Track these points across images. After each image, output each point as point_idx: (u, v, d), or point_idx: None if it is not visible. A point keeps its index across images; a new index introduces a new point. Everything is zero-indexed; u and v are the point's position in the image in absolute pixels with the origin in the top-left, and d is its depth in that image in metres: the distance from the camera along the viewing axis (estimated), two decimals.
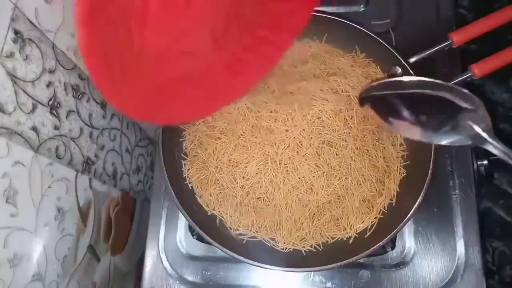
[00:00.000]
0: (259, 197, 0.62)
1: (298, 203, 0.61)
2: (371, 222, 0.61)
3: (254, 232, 0.62)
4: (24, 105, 0.45)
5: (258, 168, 0.61)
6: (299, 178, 0.60)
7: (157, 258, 0.67)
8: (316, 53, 0.68)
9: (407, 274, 0.62)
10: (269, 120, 0.62)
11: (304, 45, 0.69)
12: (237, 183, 0.62)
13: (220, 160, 0.63)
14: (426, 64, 0.61)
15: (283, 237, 0.61)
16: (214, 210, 0.64)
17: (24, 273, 0.47)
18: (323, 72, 0.66)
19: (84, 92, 0.58)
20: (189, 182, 0.65)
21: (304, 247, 0.61)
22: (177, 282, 0.66)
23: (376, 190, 0.61)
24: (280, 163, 0.61)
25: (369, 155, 0.61)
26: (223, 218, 0.64)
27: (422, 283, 0.62)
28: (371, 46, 0.64)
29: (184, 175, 0.66)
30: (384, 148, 0.63)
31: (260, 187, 0.61)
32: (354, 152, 0.61)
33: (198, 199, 0.65)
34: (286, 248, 0.61)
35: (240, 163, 0.62)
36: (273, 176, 0.61)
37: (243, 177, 0.62)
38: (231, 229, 0.63)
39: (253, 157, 0.62)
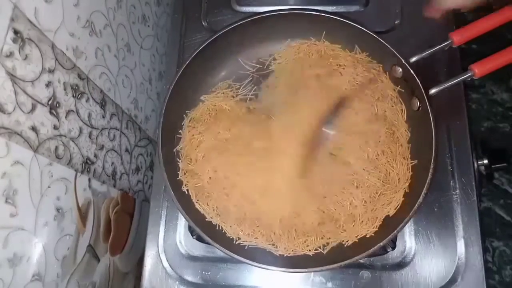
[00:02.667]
0: (257, 217, 0.62)
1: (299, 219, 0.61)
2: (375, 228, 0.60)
3: (254, 240, 0.62)
4: (24, 105, 0.45)
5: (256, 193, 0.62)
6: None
7: (157, 258, 0.67)
8: (319, 50, 0.68)
9: (407, 274, 0.62)
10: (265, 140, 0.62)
11: (305, 44, 0.69)
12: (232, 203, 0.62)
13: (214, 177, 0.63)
14: (426, 64, 0.61)
15: (284, 247, 0.61)
16: (212, 218, 0.63)
17: (23, 273, 0.46)
18: (325, 71, 0.66)
19: (84, 92, 0.58)
20: (185, 186, 0.65)
21: (304, 250, 0.60)
22: (177, 282, 0.66)
23: (383, 204, 0.61)
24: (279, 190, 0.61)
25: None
26: (222, 227, 0.63)
27: (422, 283, 0.62)
28: (372, 46, 0.64)
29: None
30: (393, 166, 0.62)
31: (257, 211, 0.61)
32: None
33: (196, 205, 0.64)
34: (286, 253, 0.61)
35: (236, 186, 0.62)
36: (271, 204, 0.61)
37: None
38: (231, 237, 0.62)
39: (250, 180, 0.62)
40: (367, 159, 0.62)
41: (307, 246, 0.61)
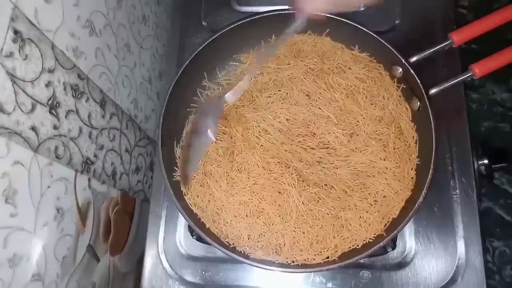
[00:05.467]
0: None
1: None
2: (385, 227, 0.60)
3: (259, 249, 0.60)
4: (24, 105, 0.45)
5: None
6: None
7: (157, 258, 0.67)
8: (320, 48, 0.68)
9: (407, 274, 0.62)
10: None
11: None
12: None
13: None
14: (426, 64, 0.61)
15: (286, 258, 0.59)
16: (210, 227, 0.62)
17: (23, 273, 0.46)
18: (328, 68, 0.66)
19: (84, 92, 0.58)
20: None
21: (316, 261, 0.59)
22: (177, 282, 0.66)
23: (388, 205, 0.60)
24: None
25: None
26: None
27: (422, 283, 0.62)
28: (372, 46, 0.64)
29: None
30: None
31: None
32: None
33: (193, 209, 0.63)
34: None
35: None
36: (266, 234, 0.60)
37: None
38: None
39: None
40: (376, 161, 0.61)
41: (320, 255, 0.59)
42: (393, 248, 0.62)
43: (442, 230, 0.63)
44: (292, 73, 0.65)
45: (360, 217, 0.59)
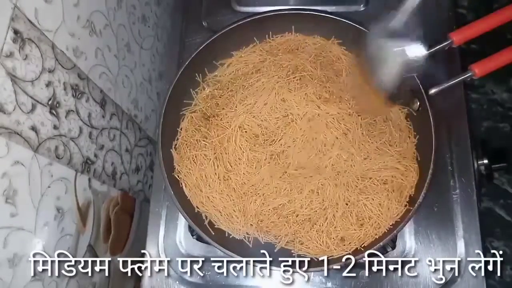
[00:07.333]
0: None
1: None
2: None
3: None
4: (24, 105, 0.45)
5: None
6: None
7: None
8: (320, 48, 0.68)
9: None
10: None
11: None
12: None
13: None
14: (426, 64, 0.61)
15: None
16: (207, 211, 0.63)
17: (23, 273, 0.46)
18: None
19: (84, 92, 0.58)
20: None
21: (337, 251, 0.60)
22: (177, 282, 0.66)
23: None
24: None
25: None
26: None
27: (422, 283, 0.61)
28: None
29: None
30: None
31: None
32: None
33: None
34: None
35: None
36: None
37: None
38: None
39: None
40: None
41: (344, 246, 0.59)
42: (393, 248, 0.62)
43: (442, 230, 0.63)
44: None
45: (379, 203, 0.59)
